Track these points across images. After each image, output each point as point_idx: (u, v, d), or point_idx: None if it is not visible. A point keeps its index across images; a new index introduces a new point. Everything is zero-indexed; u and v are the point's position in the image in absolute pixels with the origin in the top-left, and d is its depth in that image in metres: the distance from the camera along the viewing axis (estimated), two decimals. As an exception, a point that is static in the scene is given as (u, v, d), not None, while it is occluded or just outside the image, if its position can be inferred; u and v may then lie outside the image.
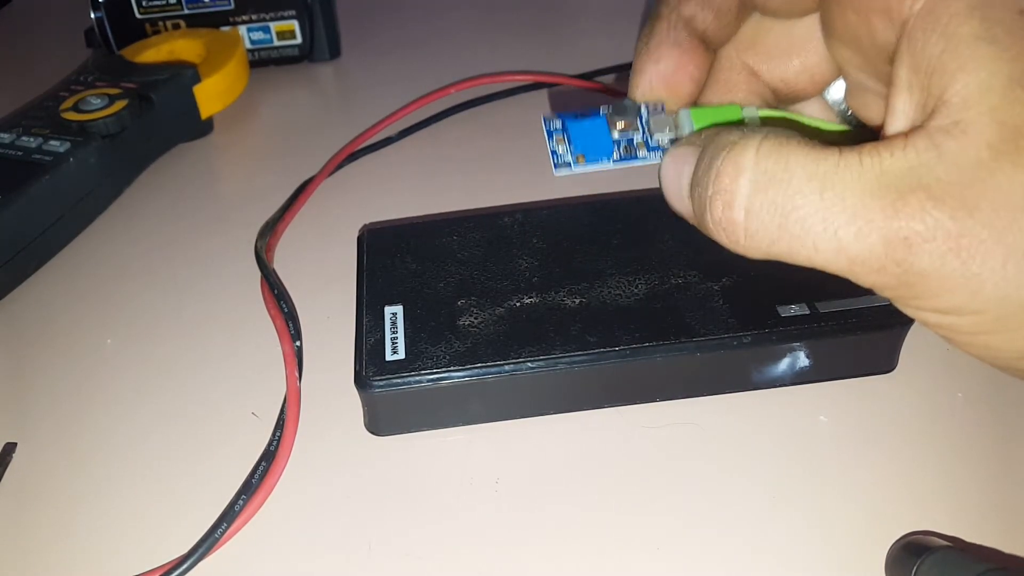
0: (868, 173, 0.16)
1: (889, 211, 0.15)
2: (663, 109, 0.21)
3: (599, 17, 0.55)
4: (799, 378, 0.27)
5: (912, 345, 0.27)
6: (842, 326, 0.26)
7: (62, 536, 0.25)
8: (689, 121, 0.21)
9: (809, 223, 0.16)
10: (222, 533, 0.24)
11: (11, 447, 0.27)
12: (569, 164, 0.21)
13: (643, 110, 0.21)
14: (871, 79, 0.20)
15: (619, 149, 0.21)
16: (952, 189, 0.15)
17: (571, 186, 0.37)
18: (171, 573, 0.23)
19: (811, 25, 0.20)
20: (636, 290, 0.28)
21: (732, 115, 0.21)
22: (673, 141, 0.21)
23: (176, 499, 0.26)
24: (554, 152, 0.21)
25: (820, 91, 0.22)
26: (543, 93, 0.45)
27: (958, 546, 0.22)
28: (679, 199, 0.19)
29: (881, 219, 0.15)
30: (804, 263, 0.17)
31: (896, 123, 0.17)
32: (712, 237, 0.18)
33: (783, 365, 0.27)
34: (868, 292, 0.27)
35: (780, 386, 0.27)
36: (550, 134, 0.21)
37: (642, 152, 0.21)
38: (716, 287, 0.28)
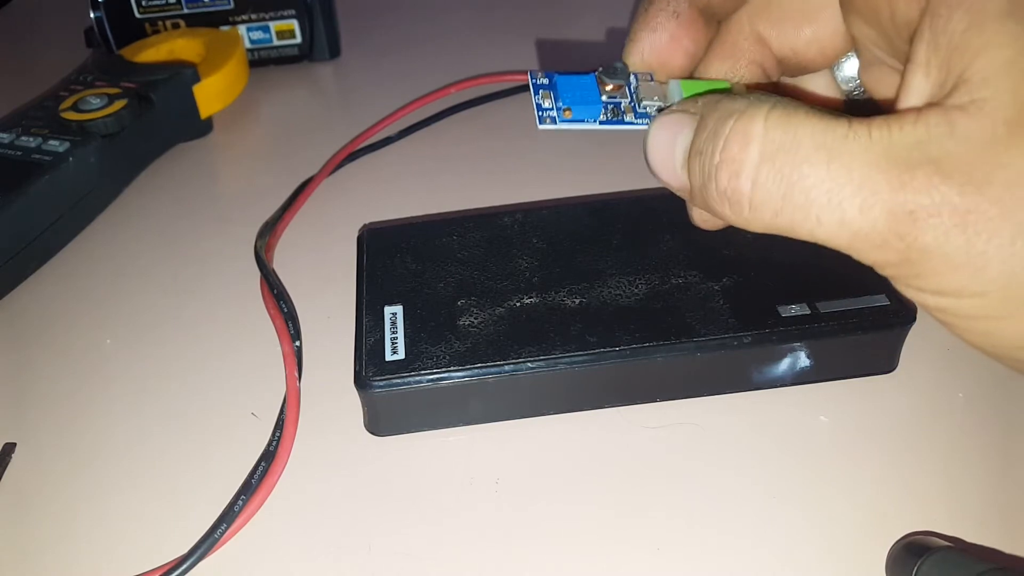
0: (876, 145, 0.15)
1: (895, 184, 0.15)
2: (652, 77, 0.21)
3: (599, 17, 0.55)
4: (799, 378, 0.27)
5: (912, 345, 0.27)
6: (842, 326, 0.26)
7: (62, 536, 0.25)
8: (679, 92, 0.20)
9: (814, 194, 0.16)
10: (222, 533, 0.24)
11: (11, 447, 0.27)
12: (554, 118, 0.20)
13: (632, 76, 0.21)
14: (887, 55, 0.19)
15: (607, 111, 0.21)
16: (962, 165, 0.15)
17: (571, 186, 0.37)
18: (171, 573, 0.23)
19: None
20: (636, 290, 0.28)
21: (721, 89, 0.20)
22: (661, 110, 0.20)
23: (176, 499, 0.26)
24: (539, 105, 0.20)
25: (828, 64, 0.22)
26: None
27: (959, 546, 0.22)
28: (669, 170, 0.19)
29: (887, 192, 0.15)
30: (806, 237, 0.17)
31: (910, 100, 0.16)
32: (711, 210, 0.18)
33: (783, 365, 0.27)
34: (868, 292, 0.27)
35: (780, 386, 0.27)
36: (536, 88, 0.21)
37: (629, 117, 0.21)
38: (716, 287, 0.28)
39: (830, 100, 0.23)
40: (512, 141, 0.41)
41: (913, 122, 0.15)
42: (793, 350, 0.26)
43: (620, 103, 0.21)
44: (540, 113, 0.20)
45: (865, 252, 0.16)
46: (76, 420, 0.28)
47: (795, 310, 0.27)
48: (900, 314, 0.27)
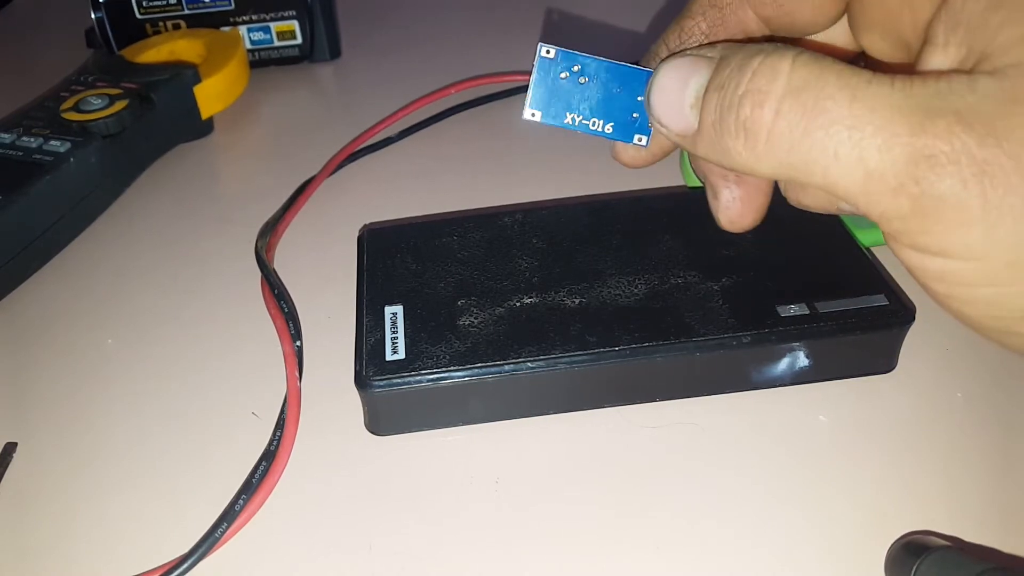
0: (899, 92, 0.15)
1: (916, 128, 0.15)
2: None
3: (599, 17, 0.55)
4: (799, 378, 0.27)
5: (912, 345, 0.27)
6: (842, 326, 0.26)
7: (62, 536, 0.25)
8: None
9: (834, 128, 0.16)
10: (222, 533, 0.24)
11: (11, 447, 0.27)
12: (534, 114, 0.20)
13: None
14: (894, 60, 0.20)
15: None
16: (983, 117, 0.15)
17: (571, 186, 0.37)
18: (171, 573, 0.23)
19: None
20: (636, 290, 0.28)
21: None
22: None
23: (176, 499, 0.26)
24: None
25: (824, 26, 0.22)
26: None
27: (958, 546, 0.22)
28: (675, 110, 0.18)
29: (907, 134, 0.15)
30: (818, 176, 0.16)
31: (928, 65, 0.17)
32: (718, 150, 0.18)
33: (783, 365, 0.27)
34: (868, 292, 0.27)
35: (780, 386, 0.27)
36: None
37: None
38: (716, 287, 0.28)
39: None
40: (512, 141, 0.41)
41: (935, 78, 0.15)
42: (792, 350, 0.26)
43: None
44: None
45: (877, 196, 0.16)
46: (77, 420, 0.28)
47: (794, 310, 0.27)
48: (899, 314, 0.27)
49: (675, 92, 0.18)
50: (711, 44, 0.19)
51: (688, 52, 0.19)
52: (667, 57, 0.19)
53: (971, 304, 0.16)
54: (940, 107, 0.15)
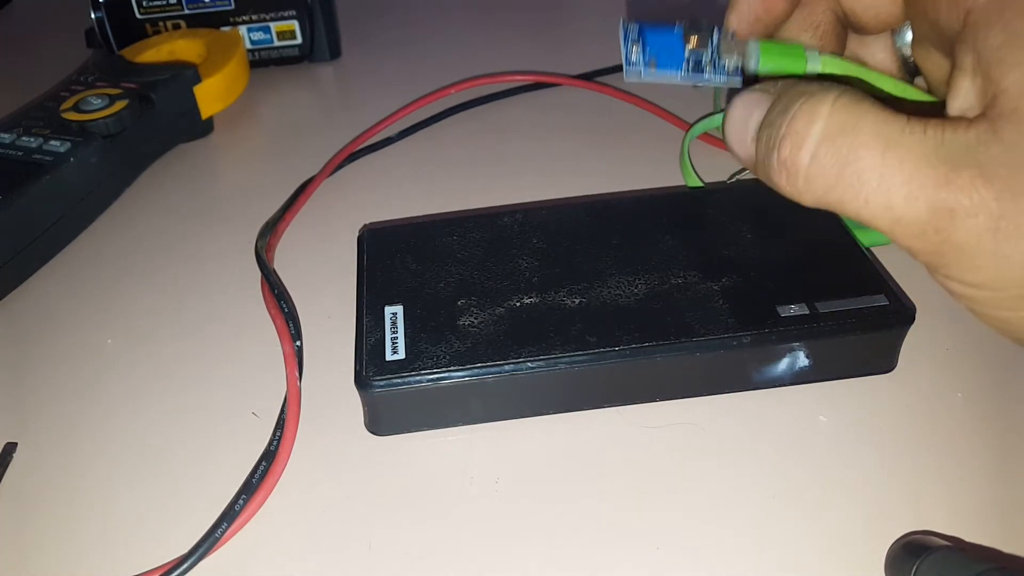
0: (929, 143, 0.17)
1: (941, 181, 0.16)
2: (734, 35, 0.22)
3: (599, 17, 0.55)
4: (799, 378, 0.27)
5: (912, 345, 0.27)
6: (842, 326, 0.26)
7: (62, 536, 0.25)
8: (756, 50, 0.22)
9: (866, 176, 0.17)
10: (222, 533, 0.24)
11: (11, 447, 0.27)
12: (640, 71, 0.22)
13: (715, 33, 0.22)
14: (936, 49, 0.21)
15: (688, 65, 0.22)
16: (1003, 171, 0.16)
17: (571, 186, 0.37)
18: (171, 573, 0.23)
19: None
20: (636, 290, 0.28)
21: (796, 54, 0.22)
22: (739, 68, 0.22)
23: (176, 499, 0.26)
24: (627, 58, 0.22)
25: (884, 30, 0.24)
26: (543, 93, 0.45)
27: (958, 546, 0.22)
28: (741, 142, 0.20)
29: (932, 187, 0.17)
30: (852, 214, 0.18)
31: (958, 102, 0.18)
32: (769, 180, 0.19)
33: (783, 365, 0.27)
34: (867, 292, 0.27)
35: (780, 386, 0.27)
36: (626, 39, 0.22)
37: (708, 71, 0.22)
38: (716, 287, 0.28)
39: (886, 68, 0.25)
40: (512, 141, 0.41)
41: (965, 128, 0.17)
42: (792, 350, 0.26)
43: (702, 58, 0.22)
44: (628, 66, 0.22)
45: (904, 238, 0.18)
46: (77, 420, 0.28)
47: (794, 310, 0.27)
48: (899, 314, 0.27)
49: (742, 124, 0.20)
50: (775, 80, 0.21)
51: (755, 88, 0.20)
52: (741, 91, 0.21)
53: (992, 320, 0.18)
54: (966, 160, 0.16)
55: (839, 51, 0.24)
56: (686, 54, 0.22)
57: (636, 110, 0.43)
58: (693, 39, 0.22)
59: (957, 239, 0.17)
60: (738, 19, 0.23)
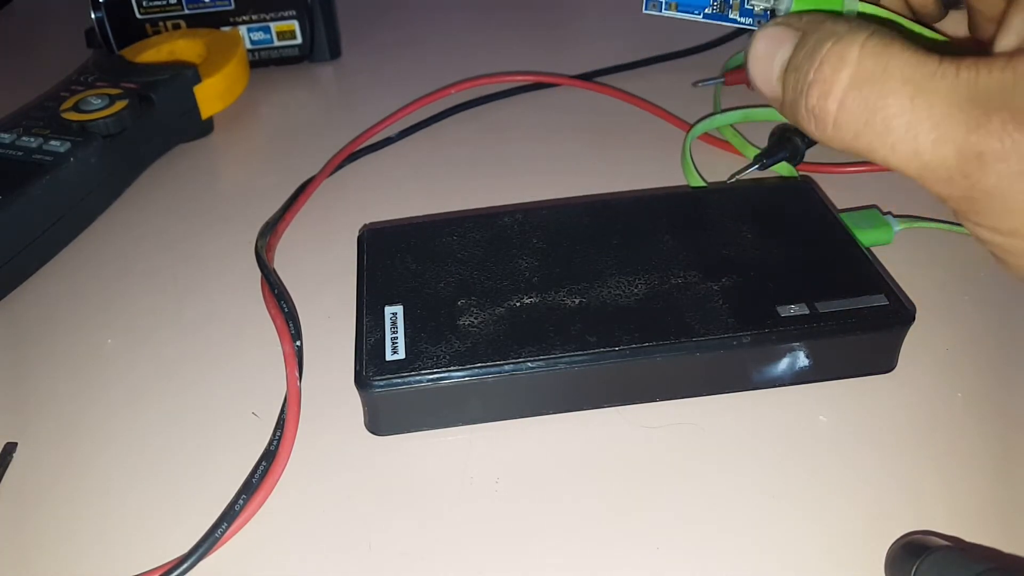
0: (961, 86, 0.16)
1: (972, 125, 0.16)
2: None
3: (599, 17, 0.55)
4: (799, 378, 0.27)
5: (912, 345, 0.27)
6: (842, 326, 0.26)
7: (62, 536, 0.25)
8: None
9: (894, 123, 0.17)
10: (222, 533, 0.24)
11: (11, 447, 0.27)
12: (660, 5, 0.21)
13: None
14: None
15: (714, 5, 0.21)
16: None
17: (571, 186, 0.37)
18: (171, 573, 0.23)
19: None
20: (636, 290, 0.28)
21: (832, 3, 0.21)
22: (766, 11, 0.21)
23: (176, 499, 0.26)
24: None
25: None
26: (543, 93, 0.45)
27: (958, 546, 0.22)
28: (767, 81, 0.20)
29: (962, 132, 0.16)
30: (880, 161, 0.18)
31: (1006, 40, 0.18)
32: (796, 122, 0.19)
33: (783, 365, 0.27)
34: (867, 292, 0.27)
35: (780, 386, 0.27)
36: None
37: (734, 13, 0.21)
38: (716, 287, 0.28)
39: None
40: (512, 141, 0.41)
41: (1001, 68, 0.16)
42: (792, 350, 0.26)
43: None
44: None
45: (932, 184, 0.17)
46: (77, 420, 0.28)
47: (794, 310, 0.27)
48: (899, 314, 0.27)
49: (766, 61, 0.19)
50: (800, 14, 0.20)
51: (780, 21, 0.20)
52: (765, 23, 0.20)
53: (1020, 269, 0.18)
54: (998, 103, 0.16)
55: None
56: None
57: (636, 110, 0.43)
58: None
59: (986, 184, 0.16)
60: None
